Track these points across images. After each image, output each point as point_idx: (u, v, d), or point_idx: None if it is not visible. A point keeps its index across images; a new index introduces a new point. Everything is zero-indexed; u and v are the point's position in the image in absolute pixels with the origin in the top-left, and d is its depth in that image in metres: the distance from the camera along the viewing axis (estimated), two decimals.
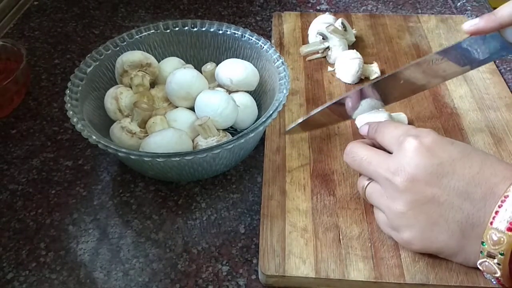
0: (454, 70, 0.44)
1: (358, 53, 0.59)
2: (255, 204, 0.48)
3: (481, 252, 0.35)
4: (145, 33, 0.55)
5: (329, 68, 0.62)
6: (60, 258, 0.43)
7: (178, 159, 0.41)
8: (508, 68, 0.62)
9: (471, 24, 0.41)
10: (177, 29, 0.56)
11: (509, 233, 0.33)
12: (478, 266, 0.36)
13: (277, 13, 0.71)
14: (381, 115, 0.50)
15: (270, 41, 0.62)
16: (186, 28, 0.56)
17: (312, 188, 0.47)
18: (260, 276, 0.41)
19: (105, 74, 0.52)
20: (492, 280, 0.36)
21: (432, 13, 0.74)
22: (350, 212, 0.44)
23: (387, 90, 0.46)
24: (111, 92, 0.50)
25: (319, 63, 0.63)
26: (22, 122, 0.57)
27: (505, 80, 0.59)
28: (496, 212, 0.34)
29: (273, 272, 0.40)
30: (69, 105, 0.45)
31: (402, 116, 0.53)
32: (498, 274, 0.34)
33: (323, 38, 0.62)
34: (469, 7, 0.73)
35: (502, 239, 0.33)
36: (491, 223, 0.34)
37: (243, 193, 0.49)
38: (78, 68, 0.50)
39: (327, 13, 0.68)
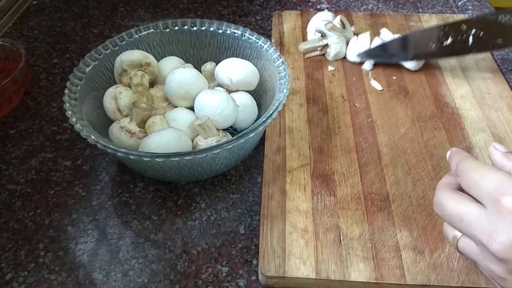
0: None
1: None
2: (255, 204, 0.47)
3: None
4: (145, 33, 0.54)
5: (330, 68, 0.61)
6: (59, 258, 0.43)
7: (177, 159, 0.41)
8: (510, 68, 0.62)
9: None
10: (176, 28, 0.55)
11: None
12: None
13: (277, 12, 0.71)
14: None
15: (270, 41, 0.62)
16: (186, 27, 0.55)
17: (312, 189, 0.46)
18: (260, 277, 0.41)
19: (104, 73, 0.52)
20: None
21: (433, 13, 0.73)
22: (351, 213, 0.44)
23: None
24: (110, 91, 0.50)
25: (319, 62, 0.62)
26: (21, 122, 0.57)
27: (506, 79, 0.59)
28: None
29: (273, 273, 0.39)
30: (68, 104, 0.45)
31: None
32: None
33: (321, 36, 0.62)
34: (470, 6, 0.73)
35: None
36: None
37: (243, 194, 0.48)
38: (77, 67, 0.49)
39: (325, 10, 0.68)
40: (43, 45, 0.69)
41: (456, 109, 0.55)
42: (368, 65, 0.61)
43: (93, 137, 0.42)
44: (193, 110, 0.50)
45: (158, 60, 0.54)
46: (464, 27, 0.41)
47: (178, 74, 0.50)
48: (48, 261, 0.43)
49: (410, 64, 0.60)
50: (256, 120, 0.51)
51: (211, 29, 0.55)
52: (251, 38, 0.53)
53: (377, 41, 0.61)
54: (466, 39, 0.45)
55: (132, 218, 0.46)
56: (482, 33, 0.43)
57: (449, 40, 0.47)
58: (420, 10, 0.74)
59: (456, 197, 0.35)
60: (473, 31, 0.41)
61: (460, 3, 0.75)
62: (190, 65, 0.55)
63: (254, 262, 0.42)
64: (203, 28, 0.55)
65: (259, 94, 0.54)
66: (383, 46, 0.56)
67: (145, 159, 0.41)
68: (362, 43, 0.61)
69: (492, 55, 0.63)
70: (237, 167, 0.51)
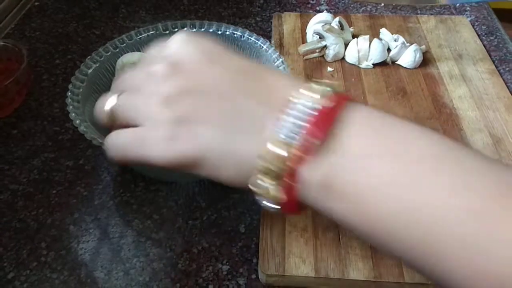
0: None
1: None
2: (255, 204, 0.47)
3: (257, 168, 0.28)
4: (144, 35, 0.55)
5: (329, 69, 0.62)
6: (61, 257, 0.43)
7: None
8: (507, 69, 0.62)
9: None
10: (176, 30, 0.56)
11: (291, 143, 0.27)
12: (250, 186, 0.30)
13: (277, 14, 0.71)
14: None
15: (270, 42, 0.63)
16: (185, 29, 0.56)
17: None
18: (260, 275, 0.41)
19: (105, 75, 0.53)
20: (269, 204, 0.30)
21: (431, 14, 0.74)
22: None
23: None
24: None
25: (319, 63, 0.63)
26: (23, 122, 0.57)
27: (504, 80, 0.60)
28: (278, 119, 0.27)
29: (273, 272, 0.40)
30: (71, 107, 0.45)
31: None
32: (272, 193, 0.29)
33: (319, 37, 0.62)
34: (468, 8, 0.74)
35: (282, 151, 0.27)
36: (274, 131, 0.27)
37: (243, 193, 0.49)
38: (79, 70, 0.50)
39: (325, 11, 0.68)
40: (45, 46, 0.69)
41: (454, 109, 0.56)
42: (366, 64, 0.62)
43: (97, 139, 0.43)
44: None
45: None
46: None
47: None
48: (50, 260, 0.43)
49: (407, 63, 0.61)
50: None
51: (211, 30, 0.55)
52: (250, 39, 0.54)
53: (376, 43, 0.61)
54: None
55: (134, 217, 0.47)
56: None
57: None
58: (419, 12, 0.75)
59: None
60: None
61: (458, 4, 0.75)
62: None
63: (254, 260, 0.43)
64: (203, 30, 0.56)
65: None
66: None
67: None
68: (361, 46, 0.62)
69: (490, 56, 0.64)
70: None
